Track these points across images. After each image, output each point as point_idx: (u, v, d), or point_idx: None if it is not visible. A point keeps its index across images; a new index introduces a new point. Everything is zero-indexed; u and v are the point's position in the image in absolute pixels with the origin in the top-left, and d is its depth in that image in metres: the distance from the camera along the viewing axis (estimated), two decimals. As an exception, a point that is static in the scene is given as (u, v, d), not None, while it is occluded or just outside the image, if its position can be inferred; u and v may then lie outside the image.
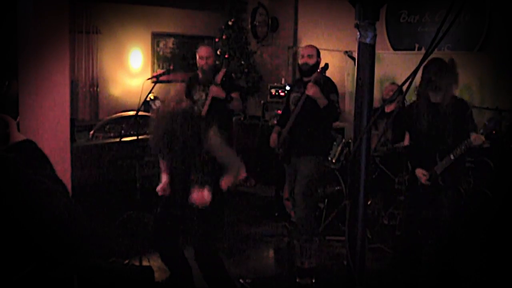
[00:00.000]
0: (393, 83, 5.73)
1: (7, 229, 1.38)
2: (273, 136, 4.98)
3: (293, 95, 4.90)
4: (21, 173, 1.47)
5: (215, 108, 5.16)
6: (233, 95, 5.23)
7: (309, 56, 4.76)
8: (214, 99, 5.13)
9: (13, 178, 1.44)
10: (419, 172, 3.85)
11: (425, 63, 3.56)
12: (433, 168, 3.81)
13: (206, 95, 5.23)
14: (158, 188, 3.76)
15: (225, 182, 3.64)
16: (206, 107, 5.17)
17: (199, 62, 5.23)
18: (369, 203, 5.26)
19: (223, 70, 5.26)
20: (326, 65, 4.63)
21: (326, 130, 4.93)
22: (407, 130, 4.09)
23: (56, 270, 1.58)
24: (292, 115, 4.75)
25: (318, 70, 4.63)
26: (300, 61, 4.88)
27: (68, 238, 1.51)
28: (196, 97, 5.28)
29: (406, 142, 4.15)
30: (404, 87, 1.37)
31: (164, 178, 3.78)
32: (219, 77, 5.16)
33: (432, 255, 3.88)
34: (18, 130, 1.75)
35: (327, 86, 4.65)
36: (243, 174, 3.70)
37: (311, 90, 4.49)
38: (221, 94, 5.12)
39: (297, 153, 4.79)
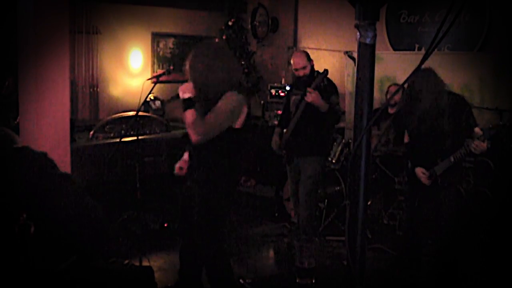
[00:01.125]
0: (395, 84, 5.73)
1: (48, 222, 1.40)
2: (275, 139, 4.97)
3: (293, 97, 4.88)
4: (55, 170, 1.50)
5: None
6: None
7: (303, 68, 4.71)
8: None
9: (49, 175, 1.46)
10: (419, 171, 3.85)
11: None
12: (433, 168, 3.81)
13: None
14: (176, 166, 3.53)
15: None
16: None
17: None
18: (369, 203, 5.26)
19: None
20: (326, 71, 4.58)
21: (329, 131, 4.94)
22: (405, 128, 4.09)
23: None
24: (293, 118, 4.74)
25: (317, 76, 4.60)
26: (295, 74, 4.81)
27: (98, 233, 1.54)
28: None
29: (406, 139, 4.15)
30: (405, 87, 1.36)
31: (185, 155, 3.55)
32: None
33: (432, 255, 3.88)
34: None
35: (327, 88, 4.64)
36: None
37: (311, 97, 4.46)
38: None
39: (301, 154, 4.78)
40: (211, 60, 3.22)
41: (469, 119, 3.73)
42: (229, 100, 3.25)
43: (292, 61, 4.81)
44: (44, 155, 1.57)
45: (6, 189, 1.38)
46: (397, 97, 5.10)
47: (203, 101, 3.29)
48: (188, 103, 3.19)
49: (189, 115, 3.16)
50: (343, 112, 4.78)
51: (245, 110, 3.32)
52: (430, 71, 3.74)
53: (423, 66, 1.45)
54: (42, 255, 1.39)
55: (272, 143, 4.98)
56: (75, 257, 1.52)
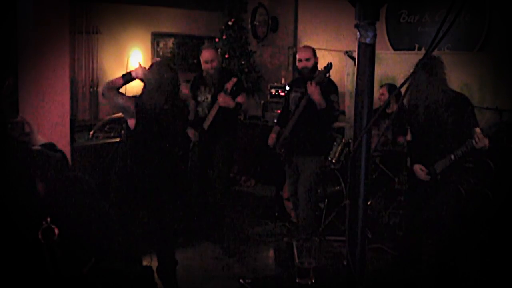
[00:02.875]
0: (385, 85, 5.71)
1: (69, 226, 1.40)
2: (272, 136, 4.96)
3: (293, 94, 4.87)
4: (68, 171, 1.49)
5: (221, 114, 5.11)
6: (240, 98, 5.19)
7: (307, 59, 4.72)
8: (221, 107, 5.08)
9: (62, 176, 1.46)
10: (417, 167, 3.84)
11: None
12: (433, 165, 3.80)
13: (212, 97, 5.18)
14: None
15: None
16: (213, 112, 5.12)
17: (204, 65, 5.14)
18: (369, 203, 5.26)
19: (233, 80, 5.12)
20: (330, 65, 4.57)
21: (327, 130, 4.93)
22: (408, 125, 4.08)
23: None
24: (293, 115, 4.73)
25: (321, 70, 4.59)
26: (298, 65, 4.81)
27: (110, 235, 1.55)
28: (200, 98, 5.25)
29: (409, 137, 4.14)
30: (404, 88, 1.37)
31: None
32: (229, 86, 5.06)
33: (433, 255, 3.88)
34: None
35: (328, 86, 4.64)
36: None
37: (311, 89, 4.47)
38: (231, 103, 5.08)
39: (300, 153, 4.78)
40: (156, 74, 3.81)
41: (470, 119, 3.72)
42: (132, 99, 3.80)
43: (298, 54, 4.84)
44: (60, 156, 1.56)
45: (27, 192, 1.38)
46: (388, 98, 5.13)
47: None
48: (126, 74, 3.82)
49: (116, 78, 3.85)
50: (342, 112, 4.78)
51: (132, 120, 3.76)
52: (438, 60, 3.75)
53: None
54: (66, 259, 1.39)
55: (269, 140, 4.97)
56: (93, 259, 1.53)
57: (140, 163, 3.80)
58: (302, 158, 4.77)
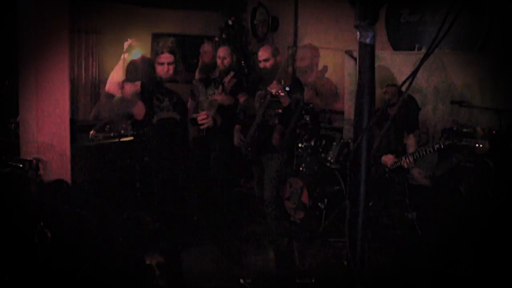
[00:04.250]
0: (391, 85, 5.70)
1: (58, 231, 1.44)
2: (238, 135, 5.02)
3: (258, 92, 4.85)
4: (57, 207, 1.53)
5: (221, 114, 5.11)
6: (240, 97, 5.18)
7: (265, 60, 4.73)
8: (220, 106, 5.08)
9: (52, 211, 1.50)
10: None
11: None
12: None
13: (210, 95, 5.18)
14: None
15: None
16: (211, 113, 5.12)
17: (200, 58, 5.22)
18: (370, 204, 5.25)
19: (231, 74, 5.11)
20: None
21: (292, 127, 4.86)
22: (404, 129, 4.12)
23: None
24: (257, 114, 4.70)
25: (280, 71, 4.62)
26: (260, 66, 4.84)
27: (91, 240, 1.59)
28: (200, 98, 5.26)
29: (405, 141, 4.16)
30: (404, 87, 1.37)
31: None
32: (227, 80, 5.05)
33: (432, 255, 3.88)
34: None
35: (295, 86, 4.66)
36: None
37: (274, 90, 4.46)
38: (230, 101, 5.07)
39: (265, 151, 4.76)
40: None
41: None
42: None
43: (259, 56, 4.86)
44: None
45: (20, 203, 1.41)
46: (395, 98, 5.12)
47: None
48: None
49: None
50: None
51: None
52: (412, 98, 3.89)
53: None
54: (59, 257, 1.43)
55: (236, 141, 4.96)
56: (88, 263, 1.58)
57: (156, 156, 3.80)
58: (266, 155, 4.75)
